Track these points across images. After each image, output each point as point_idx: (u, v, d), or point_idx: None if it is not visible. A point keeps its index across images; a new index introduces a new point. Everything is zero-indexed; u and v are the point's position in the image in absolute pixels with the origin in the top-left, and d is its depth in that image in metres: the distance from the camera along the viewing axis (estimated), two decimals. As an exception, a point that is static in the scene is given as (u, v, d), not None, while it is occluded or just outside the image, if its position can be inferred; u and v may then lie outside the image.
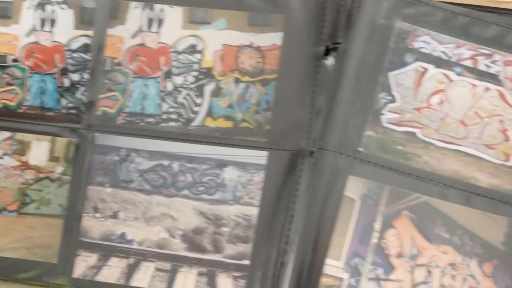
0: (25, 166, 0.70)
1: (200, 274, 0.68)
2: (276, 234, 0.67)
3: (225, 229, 0.68)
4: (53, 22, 0.70)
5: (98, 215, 0.69)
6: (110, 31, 0.70)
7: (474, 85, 0.67)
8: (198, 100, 0.70)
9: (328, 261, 0.66)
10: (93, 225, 0.69)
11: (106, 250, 0.69)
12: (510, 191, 0.66)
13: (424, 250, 0.66)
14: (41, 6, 0.70)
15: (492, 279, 0.65)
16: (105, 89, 0.70)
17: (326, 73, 0.69)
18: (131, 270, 0.69)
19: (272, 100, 0.69)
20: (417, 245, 0.66)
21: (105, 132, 0.70)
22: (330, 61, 0.69)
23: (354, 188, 0.66)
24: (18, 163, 0.70)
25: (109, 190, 0.69)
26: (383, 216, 0.66)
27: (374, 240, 0.66)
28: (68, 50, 0.70)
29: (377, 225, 0.66)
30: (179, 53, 0.70)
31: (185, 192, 0.69)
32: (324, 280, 0.66)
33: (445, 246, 0.66)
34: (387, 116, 0.67)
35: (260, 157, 0.69)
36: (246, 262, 0.68)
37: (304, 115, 0.68)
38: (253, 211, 0.68)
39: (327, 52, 0.69)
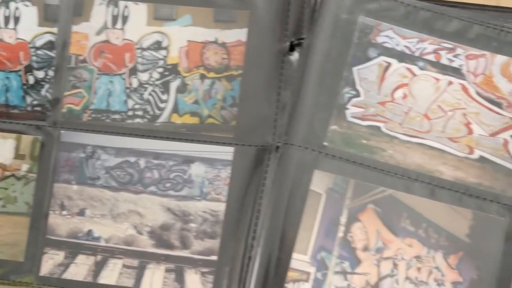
0: (-9, 164, 0.70)
1: (168, 271, 0.68)
2: (243, 229, 0.67)
3: (192, 225, 0.69)
4: (17, 19, 0.70)
5: (64, 212, 0.69)
6: (75, 28, 0.70)
7: (437, 79, 0.68)
8: (163, 97, 0.70)
9: (295, 255, 0.66)
10: (60, 223, 0.69)
11: (73, 247, 0.69)
12: (474, 184, 0.66)
13: (389, 243, 0.66)
14: (4, 3, 0.70)
15: (457, 271, 0.66)
16: (70, 86, 0.70)
17: (291, 69, 0.69)
18: (98, 267, 0.68)
19: (237, 96, 0.69)
20: (383, 238, 0.66)
21: (71, 129, 0.70)
22: (295, 56, 0.69)
23: (319, 182, 0.67)
24: (-17, 162, 0.70)
25: (75, 187, 0.69)
26: (348, 210, 0.67)
27: (340, 234, 0.67)
28: (33, 48, 0.70)
29: (343, 219, 0.67)
30: (144, 49, 0.70)
31: (152, 188, 0.69)
32: (291, 274, 0.66)
33: (411, 239, 0.66)
34: (351, 111, 0.68)
35: (226, 153, 0.69)
36: (214, 257, 0.68)
37: (270, 110, 0.68)
38: (220, 207, 0.68)
39: (291, 48, 0.69)
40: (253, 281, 0.66)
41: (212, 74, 0.70)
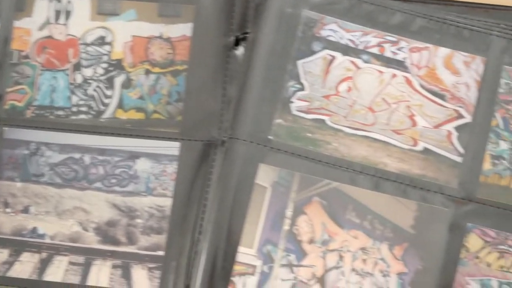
0: None
1: (114, 267, 0.68)
2: (190, 224, 0.67)
3: (138, 220, 0.68)
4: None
5: (8, 210, 0.68)
6: (17, 24, 0.70)
7: (381, 72, 0.68)
8: (108, 92, 0.69)
9: (241, 249, 0.66)
10: (4, 221, 0.68)
11: (17, 245, 0.68)
12: (418, 175, 0.67)
13: (335, 236, 0.67)
14: None
15: (402, 262, 0.66)
16: (12, 83, 0.69)
17: (236, 63, 0.69)
18: (43, 264, 0.68)
19: (183, 91, 0.69)
20: (328, 230, 0.67)
21: (14, 126, 0.69)
22: (240, 51, 0.69)
23: (265, 176, 0.67)
24: None
25: (19, 184, 0.69)
26: (294, 203, 0.67)
27: (286, 227, 0.67)
28: (-26, 44, 0.69)
29: (289, 212, 0.67)
30: (88, 45, 0.70)
31: (97, 184, 0.69)
32: (237, 268, 0.66)
33: (356, 231, 0.67)
34: (296, 104, 0.68)
35: (172, 148, 0.69)
36: (161, 253, 0.68)
37: (216, 105, 0.68)
38: (167, 202, 0.68)
39: (237, 42, 0.69)
40: (199, 276, 0.66)
41: (157, 69, 0.69)
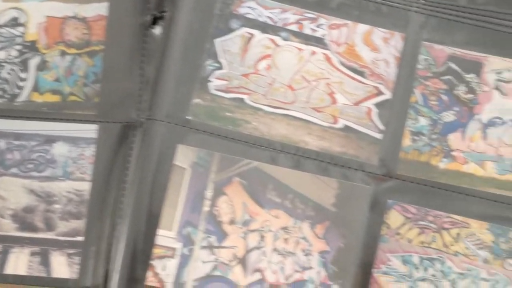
0: None
1: (32, 254, 0.66)
2: (109, 208, 0.66)
3: (57, 206, 0.67)
4: None
5: None
6: None
7: (300, 49, 0.67)
8: (23, 75, 0.67)
9: (160, 231, 0.65)
10: None
11: None
12: (339, 153, 0.66)
13: (256, 216, 0.66)
14: None
15: (324, 240, 0.66)
16: None
17: (154, 43, 0.68)
18: (-41, 253, 0.66)
19: (100, 72, 0.67)
20: (249, 210, 0.66)
21: None
22: (157, 30, 0.68)
23: (183, 157, 0.66)
24: None
25: None
26: (214, 184, 0.66)
27: (206, 208, 0.66)
28: None
29: (209, 193, 0.66)
30: (0, 26, 0.67)
31: (14, 170, 0.67)
32: (156, 251, 0.65)
33: (277, 210, 0.66)
34: (214, 83, 0.67)
35: (90, 130, 0.67)
36: (80, 238, 0.66)
37: (134, 86, 0.67)
38: (85, 186, 0.67)
39: (154, 21, 0.68)
40: (119, 260, 0.65)
41: (73, 50, 0.68)
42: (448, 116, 0.66)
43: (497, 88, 0.66)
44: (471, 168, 0.66)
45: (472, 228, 0.65)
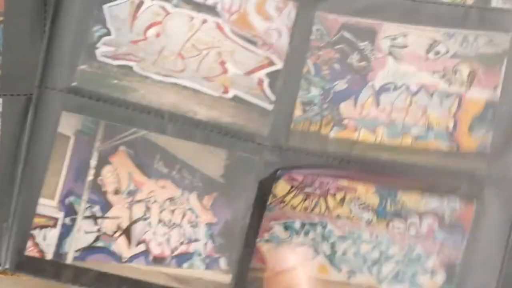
0: None
1: None
2: (18, 183, 0.64)
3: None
4: None
5: None
6: None
7: (191, 17, 0.66)
8: None
9: (42, 200, 0.63)
10: None
11: None
12: (229, 124, 0.65)
13: (142, 186, 0.65)
14: None
15: (211, 212, 0.65)
16: None
17: (52, 11, 0.66)
18: None
19: (0, 44, 0.65)
20: (135, 180, 0.65)
21: None
22: (55, -2, 0.66)
23: (67, 124, 0.64)
24: None
25: None
26: (99, 153, 0.64)
27: (90, 177, 0.64)
28: None
29: (93, 162, 0.64)
30: None
31: None
32: (37, 221, 0.63)
33: (164, 181, 0.65)
34: (102, 50, 0.65)
35: (-9, 103, 0.65)
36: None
37: (36, 57, 0.65)
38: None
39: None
40: (12, 231, 0.63)
41: (-34, 20, 0.66)
42: (341, 85, 0.65)
43: (391, 54, 0.65)
44: (362, 135, 0.65)
45: (358, 192, 0.64)
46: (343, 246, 0.64)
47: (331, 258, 0.64)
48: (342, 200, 0.64)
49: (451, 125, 0.65)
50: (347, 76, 0.66)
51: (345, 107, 0.66)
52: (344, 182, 0.65)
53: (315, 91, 0.66)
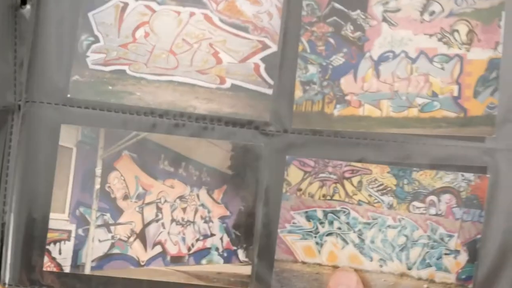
0: None
1: None
2: None
3: None
4: None
5: None
6: None
7: (178, 12, 0.65)
8: None
9: (52, 215, 0.63)
10: None
11: None
12: (229, 114, 0.64)
13: (150, 188, 0.64)
14: None
15: (223, 205, 0.64)
16: None
17: (25, 23, 0.66)
18: None
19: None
20: (142, 183, 0.64)
21: None
22: (27, 9, 0.66)
23: (68, 136, 0.64)
24: None
25: None
26: (103, 160, 0.64)
27: (97, 186, 0.64)
28: None
29: (98, 170, 0.64)
30: None
31: None
32: (51, 236, 0.63)
33: (172, 180, 0.64)
34: (92, 58, 0.65)
35: (-31, 119, 0.65)
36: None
37: (8, 68, 0.65)
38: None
39: (23, 1, 0.66)
40: (10, 249, 0.63)
41: None
42: (338, 60, 0.64)
43: (385, 20, 0.63)
44: (366, 110, 0.63)
45: (373, 174, 0.62)
46: (370, 233, 0.62)
47: (361, 247, 0.62)
48: (359, 184, 0.63)
49: (455, 90, 0.62)
50: (343, 49, 0.64)
51: (346, 82, 0.64)
52: (356, 164, 0.63)
53: (313, 69, 0.64)
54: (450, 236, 0.61)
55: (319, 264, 0.63)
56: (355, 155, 0.63)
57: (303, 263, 0.63)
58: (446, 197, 0.61)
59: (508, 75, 0.60)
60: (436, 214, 0.62)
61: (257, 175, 0.63)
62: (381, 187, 0.63)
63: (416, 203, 0.62)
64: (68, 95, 0.64)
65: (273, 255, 0.63)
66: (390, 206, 0.62)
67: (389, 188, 0.62)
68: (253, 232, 0.63)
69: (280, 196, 0.63)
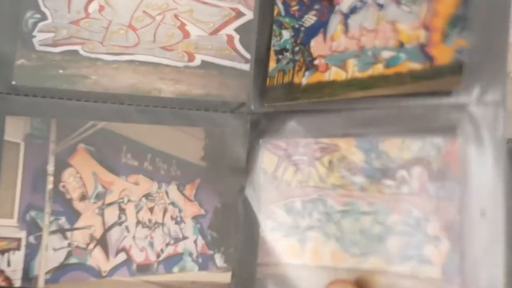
0: None
1: None
2: None
3: None
4: None
5: None
6: None
7: (136, -19, 0.56)
8: None
9: (0, 221, 0.54)
10: None
11: None
12: (201, 96, 0.55)
13: (111, 186, 0.55)
14: None
15: (196, 203, 0.54)
16: None
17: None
18: None
19: None
20: (102, 181, 0.55)
21: None
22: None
23: (14, 130, 0.55)
24: None
25: None
26: (55, 156, 0.55)
27: (50, 185, 0.55)
28: None
29: (51, 168, 0.55)
30: None
31: None
32: (-1, 245, 0.54)
33: (136, 176, 0.55)
34: (39, 38, 0.56)
35: None
36: None
37: None
38: None
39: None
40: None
41: None
42: (310, 19, 0.54)
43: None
44: (332, 74, 0.53)
45: (341, 151, 0.51)
46: (347, 223, 0.52)
47: (341, 240, 0.52)
48: (330, 163, 0.52)
49: (422, 36, 0.50)
50: (315, 6, 0.54)
51: (315, 44, 0.54)
52: (324, 140, 0.52)
53: (286, 35, 0.55)
54: (427, 219, 0.49)
55: (305, 266, 0.53)
56: (323, 131, 0.52)
57: (288, 265, 0.53)
58: (416, 170, 0.49)
59: (480, 9, 0.47)
60: (410, 193, 0.50)
61: (234, 165, 0.54)
62: (351, 166, 0.52)
63: (386, 181, 0.51)
64: (13, 82, 0.55)
65: (255, 259, 0.53)
66: (362, 188, 0.51)
67: (358, 166, 0.51)
68: (232, 233, 0.54)
69: (260, 188, 0.53)
